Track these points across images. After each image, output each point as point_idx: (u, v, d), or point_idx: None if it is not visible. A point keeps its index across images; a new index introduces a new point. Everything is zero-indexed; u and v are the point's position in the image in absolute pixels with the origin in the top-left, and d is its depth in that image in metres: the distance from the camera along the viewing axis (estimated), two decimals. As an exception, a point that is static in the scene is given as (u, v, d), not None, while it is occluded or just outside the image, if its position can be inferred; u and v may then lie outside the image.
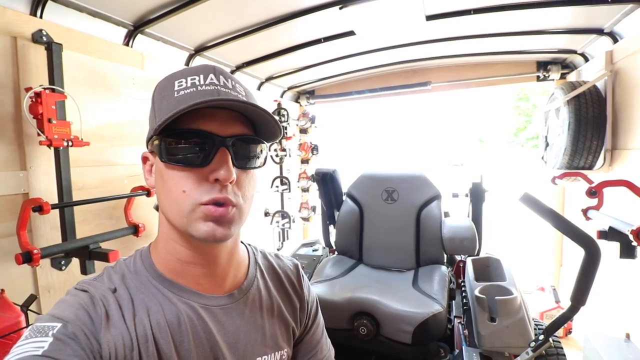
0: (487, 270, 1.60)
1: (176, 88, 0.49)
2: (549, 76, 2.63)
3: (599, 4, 1.68)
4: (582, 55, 2.32)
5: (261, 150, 0.55)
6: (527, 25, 2.07)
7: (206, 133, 0.49)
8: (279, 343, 0.62)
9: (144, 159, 0.57)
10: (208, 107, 0.48)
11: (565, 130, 1.99)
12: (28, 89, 1.28)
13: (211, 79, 0.50)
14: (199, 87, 0.49)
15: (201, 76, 0.50)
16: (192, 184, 0.49)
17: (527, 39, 2.27)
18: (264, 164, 0.56)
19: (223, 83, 0.50)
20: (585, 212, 1.50)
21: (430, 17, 1.91)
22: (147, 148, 0.55)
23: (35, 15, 1.36)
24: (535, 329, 1.32)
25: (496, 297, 1.23)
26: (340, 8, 1.77)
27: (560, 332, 2.24)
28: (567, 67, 2.55)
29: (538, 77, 2.70)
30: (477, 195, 1.98)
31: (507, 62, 2.75)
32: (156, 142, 0.50)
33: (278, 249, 3.13)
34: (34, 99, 1.28)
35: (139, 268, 0.54)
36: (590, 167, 1.96)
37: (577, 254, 1.01)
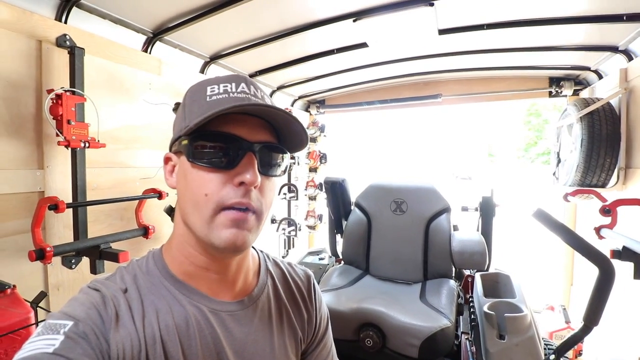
0: (496, 286, 1.57)
1: (208, 93, 0.51)
2: (561, 92, 2.61)
3: (614, 22, 1.68)
4: (596, 72, 2.31)
5: (283, 159, 0.56)
6: (540, 41, 2.07)
7: (235, 137, 0.50)
8: (287, 354, 0.61)
9: (166, 160, 0.57)
10: (239, 112, 0.50)
11: (578, 146, 1.97)
12: (50, 91, 1.32)
13: (242, 88, 0.52)
14: (231, 94, 0.51)
15: (233, 84, 0.52)
16: (215, 186, 0.49)
17: (539, 54, 2.27)
18: (285, 173, 0.58)
19: (253, 92, 0.53)
20: (598, 230, 1.48)
21: (443, 31, 1.93)
22: (171, 149, 0.56)
23: (60, 20, 1.41)
24: (545, 348, 1.29)
25: (505, 314, 1.21)
26: (354, 21, 1.79)
27: (569, 354, 2.17)
28: (580, 83, 2.53)
29: (550, 92, 2.68)
30: (487, 210, 1.96)
31: (518, 77, 2.75)
32: (184, 142, 0.51)
33: (283, 257, 3.12)
34: (54, 101, 1.32)
35: (151, 268, 0.54)
36: (604, 185, 1.94)
37: (589, 273, 0.99)
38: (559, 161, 2.39)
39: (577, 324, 1.01)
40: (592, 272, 0.98)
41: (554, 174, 2.46)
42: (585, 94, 2.49)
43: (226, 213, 0.49)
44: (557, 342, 1.61)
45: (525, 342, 1.16)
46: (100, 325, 0.45)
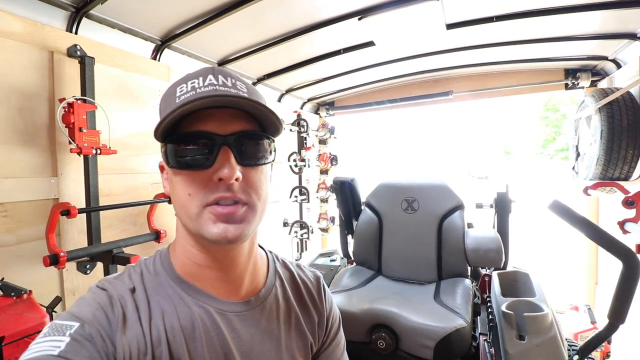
0: (515, 285, 1.51)
1: (177, 94, 0.50)
2: (578, 84, 2.52)
3: (632, 7, 1.61)
4: (614, 61, 2.22)
5: (265, 145, 0.53)
6: (553, 31, 2.00)
7: (204, 133, 0.48)
8: (294, 356, 0.59)
9: (161, 168, 0.57)
10: (205, 107, 0.48)
11: (597, 139, 1.89)
12: (62, 100, 1.36)
13: (210, 80, 0.50)
14: (198, 90, 0.48)
15: (200, 79, 0.50)
16: (197, 186, 0.48)
17: (554, 45, 2.19)
18: (273, 159, 0.55)
19: (222, 82, 0.50)
20: (622, 224, 1.40)
21: (451, 26, 1.89)
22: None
23: (70, 31, 1.45)
24: (568, 349, 1.22)
25: (525, 314, 1.16)
26: (360, 19, 1.78)
27: (596, 355, 2.07)
28: (598, 74, 2.43)
29: (566, 85, 2.59)
30: (502, 206, 1.90)
31: (532, 70, 2.67)
32: (162, 149, 0.51)
33: (296, 260, 3.11)
34: (66, 109, 1.36)
35: (157, 269, 0.54)
36: (627, 178, 1.85)
37: (615, 270, 0.93)
38: (578, 155, 2.31)
39: (604, 323, 0.95)
40: (618, 269, 0.93)
41: (573, 168, 2.37)
42: (603, 84, 2.39)
43: (211, 208, 0.48)
44: (583, 343, 1.54)
45: (547, 343, 1.10)
46: (107, 326, 0.45)
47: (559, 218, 1.01)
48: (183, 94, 0.49)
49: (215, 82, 0.50)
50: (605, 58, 2.24)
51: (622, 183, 1.69)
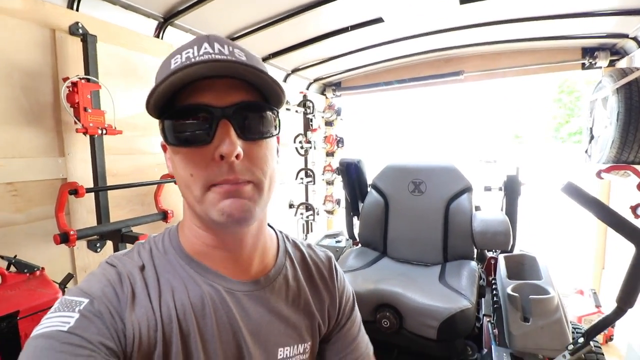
0: (521, 268, 1.51)
1: (172, 66, 0.46)
2: (595, 63, 2.41)
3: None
4: (635, 39, 2.11)
5: (268, 117, 0.49)
6: (570, 7, 1.90)
7: (202, 106, 0.45)
8: (302, 335, 0.59)
9: (163, 147, 0.55)
10: (202, 77, 0.45)
11: (613, 121, 1.82)
12: (65, 79, 1.35)
13: (205, 49, 0.46)
14: (192, 60, 0.45)
15: (195, 48, 0.46)
16: (198, 165, 0.46)
17: (570, 22, 2.08)
18: (278, 132, 0.52)
19: (218, 50, 0.46)
20: (634, 209, 1.38)
21: (464, 0, 1.81)
22: None
23: (72, 8, 1.43)
24: (573, 332, 1.23)
25: (530, 297, 1.15)
26: (368, -7, 1.71)
27: (599, 338, 2.08)
28: (617, 53, 2.32)
29: (583, 64, 2.49)
30: (512, 189, 1.87)
31: (548, 48, 2.56)
32: (160, 126, 0.49)
33: (302, 241, 3.14)
34: (70, 89, 1.35)
35: (167, 246, 0.54)
36: (642, 161, 1.79)
37: (624, 255, 0.92)
38: (592, 138, 2.24)
39: (609, 308, 0.94)
40: (626, 254, 0.91)
41: (586, 151, 2.31)
42: (622, 64, 2.29)
43: (216, 188, 0.46)
44: (587, 326, 1.55)
45: (552, 325, 1.10)
46: (116, 303, 0.45)
47: (572, 200, 0.99)
48: (177, 65, 0.46)
49: (211, 51, 0.46)
50: (625, 36, 2.13)
51: (636, 167, 1.64)
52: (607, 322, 0.94)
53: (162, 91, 0.44)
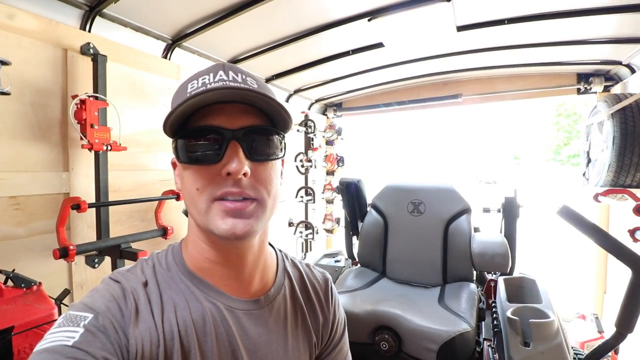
0: (521, 291, 1.49)
1: (189, 90, 0.50)
2: (590, 89, 2.48)
3: (647, 11, 1.58)
4: (628, 66, 2.18)
5: (275, 141, 0.53)
6: (566, 34, 1.98)
7: (214, 128, 0.48)
8: (300, 357, 0.60)
9: (173, 165, 0.58)
10: (215, 102, 0.49)
11: (609, 145, 1.86)
12: (74, 96, 1.38)
13: (220, 76, 0.50)
14: (208, 86, 0.48)
15: (211, 75, 0.50)
16: (205, 180, 0.48)
17: (566, 49, 2.16)
18: (284, 155, 0.55)
19: (232, 78, 0.50)
20: (632, 232, 1.38)
21: (461, 28, 1.88)
22: None
23: (84, 29, 1.48)
24: (574, 358, 1.21)
25: (530, 320, 1.14)
26: (369, 20, 1.78)
27: (604, 365, 2.03)
28: (611, 79, 2.39)
29: (579, 89, 2.55)
30: (510, 211, 1.88)
31: (544, 73, 2.63)
32: (173, 144, 0.51)
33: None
34: (79, 106, 1.38)
35: (170, 263, 0.55)
36: (638, 185, 1.81)
37: (625, 279, 0.92)
38: (589, 161, 2.27)
39: (612, 332, 0.93)
40: (628, 278, 0.91)
41: (583, 174, 2.33)
42: (616, 89, 2.35)
43: (219, 204, 0.48)
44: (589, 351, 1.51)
45: (552, 350, 1.09)
46: (120, 319, 0.45)
47: (568, 224, 1.00)
48: (194, 90, 0.49)
49: (226, 78, 0.50)
50: (619, 63, 2.20)
51: (633, 190, 1.65)
52: (608, 348, 0.93)
53: (179, 113, 0.47)
